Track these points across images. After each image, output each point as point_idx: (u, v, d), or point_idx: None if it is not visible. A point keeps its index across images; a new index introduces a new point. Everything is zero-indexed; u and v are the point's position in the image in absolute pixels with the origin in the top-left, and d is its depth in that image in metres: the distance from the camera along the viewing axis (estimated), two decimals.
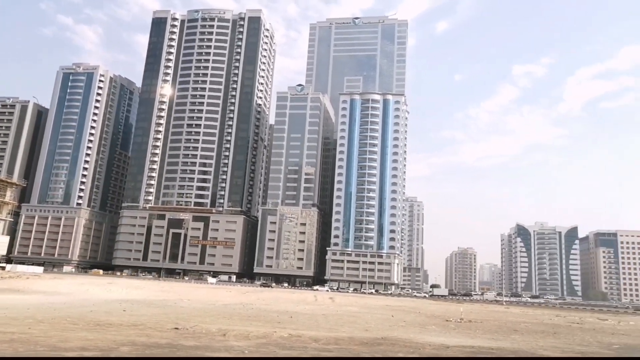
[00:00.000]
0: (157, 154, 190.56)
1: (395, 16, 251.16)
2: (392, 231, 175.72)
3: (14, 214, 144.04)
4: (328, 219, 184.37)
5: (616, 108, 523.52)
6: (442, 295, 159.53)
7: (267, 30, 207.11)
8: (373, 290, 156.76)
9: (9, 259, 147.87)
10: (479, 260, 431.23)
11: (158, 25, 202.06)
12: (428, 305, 75.48)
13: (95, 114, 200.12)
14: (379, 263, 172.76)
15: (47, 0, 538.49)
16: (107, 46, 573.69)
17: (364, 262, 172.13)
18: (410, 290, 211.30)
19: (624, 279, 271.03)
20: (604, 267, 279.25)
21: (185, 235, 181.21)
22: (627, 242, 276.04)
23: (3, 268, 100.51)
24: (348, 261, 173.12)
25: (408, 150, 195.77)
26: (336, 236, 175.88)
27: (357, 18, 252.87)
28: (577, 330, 42.22)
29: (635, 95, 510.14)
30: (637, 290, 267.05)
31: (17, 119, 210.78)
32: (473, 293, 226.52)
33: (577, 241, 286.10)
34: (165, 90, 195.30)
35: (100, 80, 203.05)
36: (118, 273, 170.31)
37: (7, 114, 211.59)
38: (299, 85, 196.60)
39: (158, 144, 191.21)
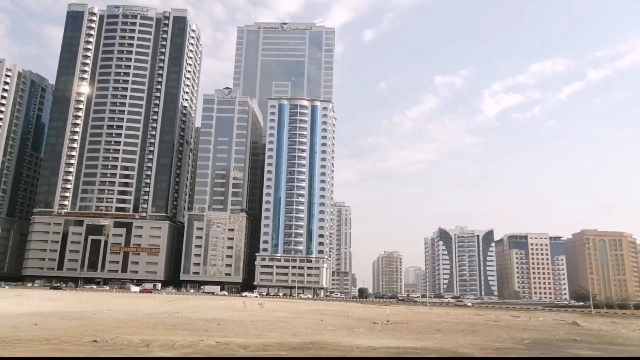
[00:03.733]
0: (73, 156, 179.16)
1: (323, 24, 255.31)
2: (321, 236, 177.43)
3: None
4: (257, 224, 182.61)
5: (525, 119, 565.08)
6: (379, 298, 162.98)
7: (194, 31, 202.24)
8: (302, 295, 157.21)
9: None
10: (405, 263, 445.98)
11: (74, 19, 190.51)
12: (356, 309, 76.91)
13: (1, 111, 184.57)
14: (309, 268, 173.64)
15: None
16: (15, 38, 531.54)
17: (294, 267, 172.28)
18: (339, 294, 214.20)
19: (534, 278, 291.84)
20: (517, 267, 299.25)
21: (106, 242, 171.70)
22: (536, 244, 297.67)
23: None
24: (277, 266, 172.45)
25: (336, 156, 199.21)
26: (265, 241, 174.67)
27: (285, 23, 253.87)
28: (494, 328, 44.89)
29: (541, 108, 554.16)
30: (544, 288, 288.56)
31: None
32: (399, 295, 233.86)
33: (493, 244, 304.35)
34: (83, 89, 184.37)
35: (6, 75, 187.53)
36: (29, 284, 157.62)
37: None
38: (227, 88, 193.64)
39: (75, 145, 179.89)
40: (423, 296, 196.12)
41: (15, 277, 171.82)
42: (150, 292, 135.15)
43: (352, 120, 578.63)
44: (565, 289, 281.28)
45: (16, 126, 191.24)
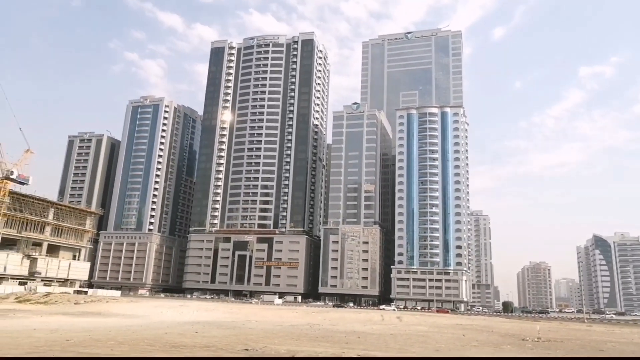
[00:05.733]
0: (220, 178, 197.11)
1: (449, 28, 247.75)
2: (458, 247, 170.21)
3: (93, 241, 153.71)
4: (391, 237, 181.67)
5: None
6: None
7: (321, 51, 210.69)
8: (441, 308, 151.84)
9: (89, 284, 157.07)
10: (554, 274, 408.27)
11: (216, 54, 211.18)
12: (501, 324, 71.93)
13: (162, 143, 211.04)
14: (446, 280, 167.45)
15: (115, 39, 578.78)
16: (170, 77, 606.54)
17: (431, 280, 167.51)
18: (480, 307, 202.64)
19: None
20: None
21: (251, 257, 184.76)
22: None
23: (85, 292, 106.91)
24: (414, 279, 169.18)
25: (470, 163, 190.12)
26: (400, 254, 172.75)
27: (409, 33, 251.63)
28: None
29: None
30: None
31: (94, 152, 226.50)
32: (550, 310, 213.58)
33: None
34: (226, 117, 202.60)
35: (165, 111, 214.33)
36: (188, 295, 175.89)
37: (84, 147, 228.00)
38: (355, 103, 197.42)
39: (221, 168, 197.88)
40: (579, 311, 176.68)
41: (178, 289, 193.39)
42: (447, 312, 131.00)
43: (486, 124, 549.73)
44: None
45: (174, 155, 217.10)
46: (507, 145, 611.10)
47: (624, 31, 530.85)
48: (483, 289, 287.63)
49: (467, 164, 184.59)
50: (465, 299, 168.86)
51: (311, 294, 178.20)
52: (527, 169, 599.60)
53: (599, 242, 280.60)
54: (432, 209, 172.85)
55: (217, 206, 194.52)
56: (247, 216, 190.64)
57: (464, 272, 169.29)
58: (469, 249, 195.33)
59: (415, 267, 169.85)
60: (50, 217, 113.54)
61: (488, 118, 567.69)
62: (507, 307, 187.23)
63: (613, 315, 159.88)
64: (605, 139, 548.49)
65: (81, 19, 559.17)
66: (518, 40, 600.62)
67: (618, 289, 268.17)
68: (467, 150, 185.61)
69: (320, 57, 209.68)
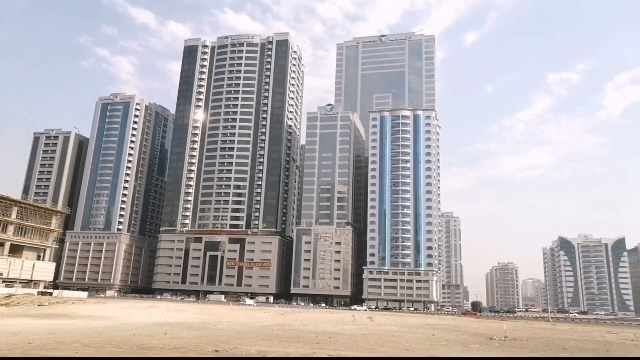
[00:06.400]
0: (192, 178, 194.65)
1: (422, 32, 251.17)
2: (429, 248, 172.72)
3: (59, 240, 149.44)
4: (363, 238, 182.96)
5: None
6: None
7: (295, 52, 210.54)
8: (412, 309, 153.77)
9: (55, 285, 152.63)
10: (521, 275, 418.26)
11: (190, 53, 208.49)
12: (470, 323, 73.32)
13: (132, 141, 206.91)
14: (417, 281, 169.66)
15: (85, 34, 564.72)
16: (142, 75, 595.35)
17: (402, 280, 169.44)
18: (450, 307, 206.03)
19: None
20: None
21: (222, 258, 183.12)
22: None
23: (50, 294, 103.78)
24: (385, 279, 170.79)
25: (442, 165, 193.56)
26: (372, 254, 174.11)
27: (383, 36, 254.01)
28: (632, 348, 40.16)
29: None
30: None
31: (60, 150, 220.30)
32: (517, 309, 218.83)
33: (625, 253, 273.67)
34: (198, 116, 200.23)
35: (136, 109, 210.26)
36: (158, 296, 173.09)
37: (51, 145, 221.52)
38: (329, 104, 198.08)
39: (193, 168, 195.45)
40: (544, 311, 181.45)
41: (147, 289, 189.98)
42: (475, 314, 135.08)
43: (458, 128, 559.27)
44: None
45: (144, 153, 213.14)
46: (479, 148, 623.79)
47: (590, 39, 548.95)
48: (453, 289, 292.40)
49: (438, 167, 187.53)
50: (435, 299, 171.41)
51: (283, 294, 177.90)
52: (498, 171, 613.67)
53: (564, 244, 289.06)
54: (403, 210, 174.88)
55: (188, 206, 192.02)
56: (219, 216, 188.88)
57: (434, 272, 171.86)
58: (440, 250, 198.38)
59: (386, 268, 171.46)
60: (14, 216, 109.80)
61: (460, 121, 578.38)
62: (476, 307, 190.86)
63: (576, 314, 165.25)
64: (572, 143, 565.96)
65: (49, 12, 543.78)
66: (490, 45, 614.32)
67: (581, 289, 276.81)
68: (438, 153, 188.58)
69: (295, 58, 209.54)
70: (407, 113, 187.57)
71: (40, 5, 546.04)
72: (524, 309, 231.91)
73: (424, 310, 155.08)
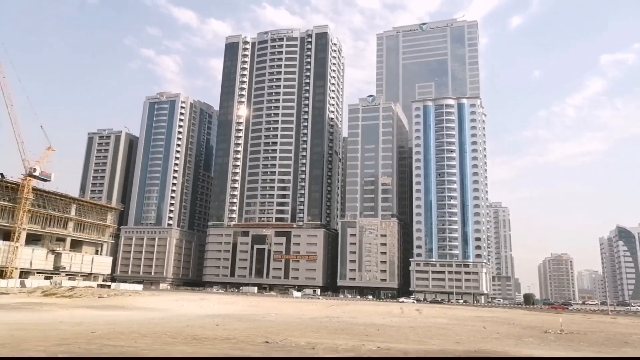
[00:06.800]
0: (237, 173, 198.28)
1: (464, 18, 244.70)
2: (478, 239, 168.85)
3: (114, 236, 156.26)
4: (409, 229, 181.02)
5: None
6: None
7: (335, 44, 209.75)
8: (461, 301, 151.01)
9: (112, 278, 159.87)
10: (577, 266, 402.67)
11: (231, 49, 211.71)
12: (522, 316, 71.21)
13: (179, 138, 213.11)
14: (466, 272, 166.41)
15: (131, 36, 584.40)
16: (186, 73, 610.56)
17: (450, 272, 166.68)
18: (501, 300, 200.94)
19: None
20: None
21: (269, 251, 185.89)
22: None
23: (108, 286, 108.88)
24: (433, 272, 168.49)
25: (488, 154, 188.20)
26: (419, 246, 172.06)
27: (424, 24, 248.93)
28: None
29: None
30: None
31: (113, 148, 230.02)
32: (573, 302, 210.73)
33: None
34: (242, 112, 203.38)
35: (182, 107, 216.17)
36: (208, 289, 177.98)
37: (103, 144, 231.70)
38: (370, 96, 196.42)
39: (238, 163, 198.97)
40: (603, 303, 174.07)
41: (198, 282, 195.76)
42: (565, 308, 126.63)
43: (505, 115, 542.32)
44: None
45: (191, 150, 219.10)
46: (526, 136, 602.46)
47: None
48: (503, 281, 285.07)
49: (485, 155, 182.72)
50: (485, 292, 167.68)
51: (330, 287, 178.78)
52: (547, 159, 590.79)
53: (623, 233, 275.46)
54: (450, 201, 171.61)
55: (234, 200, 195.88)
56: (264, 210, 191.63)
57: (483, 264, 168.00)
58: (489, 241, 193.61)
59: (434, 260, 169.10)
60: (73, 213, 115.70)
61: (506, 108, 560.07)
62: (529, 300, 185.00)
63: (639, 308, 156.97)
64: (628, 127, 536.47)
65: (97, 16, 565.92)
66: (536, 28, 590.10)
67: None
68: (484, 142, 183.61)
69: (335, 50, 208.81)
70: (451, 102, 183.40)
71: (89, 12, 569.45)
72: (580, 302, 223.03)
73: (473, 302, 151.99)
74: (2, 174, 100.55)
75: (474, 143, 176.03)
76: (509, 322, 54.72)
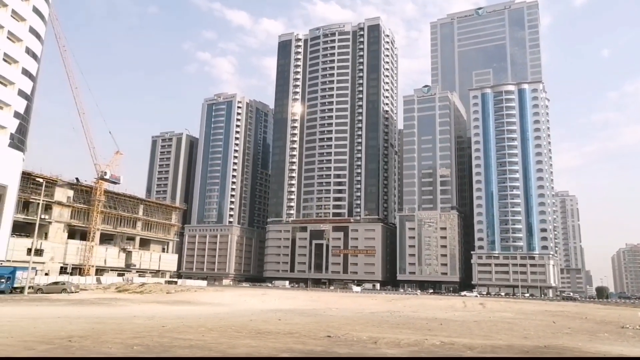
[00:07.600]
0: (294, 169, 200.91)
1: None
2: (543, 230, 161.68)
3: (179, 234, 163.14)
4: (469, 222, 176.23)
5: None
6: None
7: (387, 36, 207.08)
8: (527, 295, 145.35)
9: (178, 274, 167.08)
10: None
11: (284, 48, 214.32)
12: (596, 311, 67.49)
13: (237, 138, 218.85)
14: (531, 265, 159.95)
15: (188, 41, 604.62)
16: (241, 73, 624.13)
17: (514, 265, 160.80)
18: (571, 293, 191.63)
19: None
20: None
21: (327, 246, 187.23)
22: None
23: (175, 282, 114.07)
24: (496, 264, 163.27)
25: (553, 141, 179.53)
26: (480, 239, 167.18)
27: (480, 8, 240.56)
28: None
29: None
30: None
31: (175, 150, 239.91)
32: None
33: None
34: (296, 109, 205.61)
35: (238, 107, 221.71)
36: (269, 284, 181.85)
37: (166, 146, 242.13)
38: (425, 86, 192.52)
39: (294, 160, 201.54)
40: None
41: (259, 278, 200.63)
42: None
43: (570, 99, 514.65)
44: None
45: (248, 149, 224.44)
46: (595, 120, 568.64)
47: None
48: (573, 274, 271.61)
49: (549, 142, 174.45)
50: (553, 285, 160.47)
51: (389, 281, 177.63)
52: (618, 143, 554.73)
53: None
54: (512, 191, 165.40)
55: (292, 197, 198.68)
56: (321, 205, 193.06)
57: (550, 256, 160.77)
58: (555, 232, 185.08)
59: (496, 252, 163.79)
60: (140, 213, 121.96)
61: (571, 92, 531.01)
62: (602, 293, 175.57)
63: None
64: None
65: (157, 24, 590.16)
66: (604, 3, 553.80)
67: None
68: (548, 128, 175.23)
69: (387, 42, 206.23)
70: (511, 88, 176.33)
71: (149, 19, 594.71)
72: None
73: (540, 296, 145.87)
74: (77, 178, 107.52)
75: (537, 130, 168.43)
76: (580, 316, 52.05)
